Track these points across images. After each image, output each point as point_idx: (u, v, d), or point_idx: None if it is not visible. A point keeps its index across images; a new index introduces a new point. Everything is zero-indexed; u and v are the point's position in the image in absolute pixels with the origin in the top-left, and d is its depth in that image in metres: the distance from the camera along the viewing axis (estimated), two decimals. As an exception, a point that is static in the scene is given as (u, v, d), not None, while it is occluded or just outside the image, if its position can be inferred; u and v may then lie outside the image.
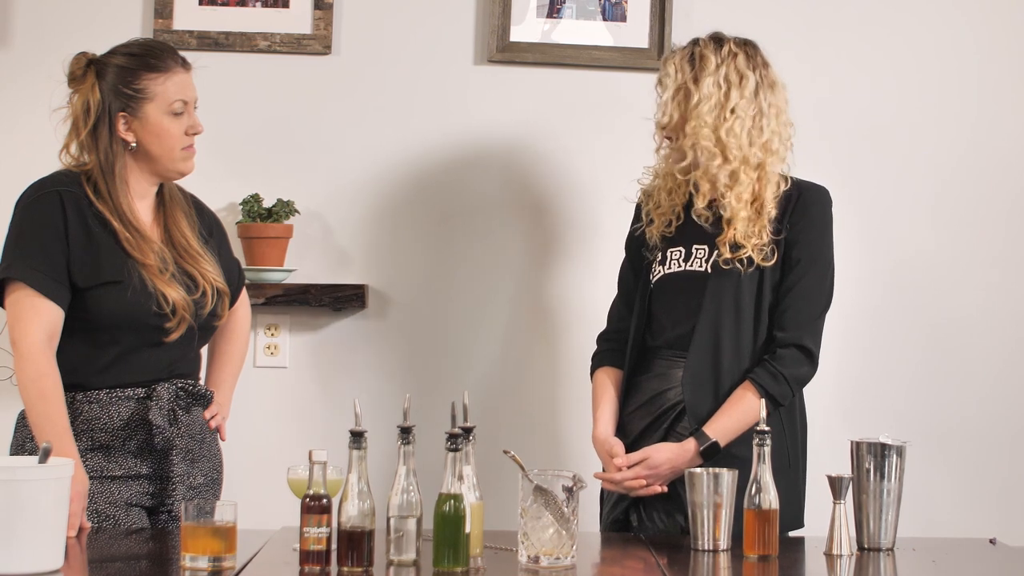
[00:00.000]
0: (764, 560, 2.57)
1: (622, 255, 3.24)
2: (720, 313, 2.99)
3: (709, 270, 3.02)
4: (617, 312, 3.22)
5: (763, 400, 2.74)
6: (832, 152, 3.69)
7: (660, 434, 3.01)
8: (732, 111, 2.97)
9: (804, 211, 3.02)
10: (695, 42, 3.05)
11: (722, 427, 2.93)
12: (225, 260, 3.07)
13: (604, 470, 3.03)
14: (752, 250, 2.97)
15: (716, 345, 2.99)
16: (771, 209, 2.98)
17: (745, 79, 3.00)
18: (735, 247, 2.97)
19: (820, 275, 3.02)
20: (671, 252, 3.08)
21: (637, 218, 3.19)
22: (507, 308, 3.73)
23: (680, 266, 3.06)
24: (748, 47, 3.04)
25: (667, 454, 2.93)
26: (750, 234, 2.97)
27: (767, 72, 3.04)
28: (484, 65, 3.73)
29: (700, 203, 3.01)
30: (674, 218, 3.09)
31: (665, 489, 2.94)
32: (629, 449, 3.00)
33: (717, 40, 3.04)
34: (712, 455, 2.91)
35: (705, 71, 2.99)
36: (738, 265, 2.97)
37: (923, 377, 3.76)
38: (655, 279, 3.10)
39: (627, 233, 3.22)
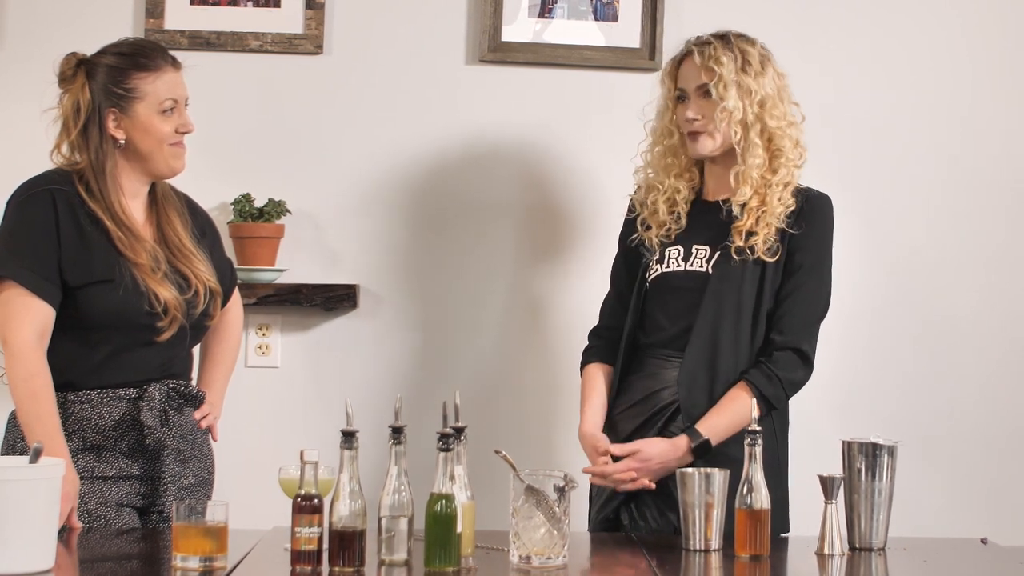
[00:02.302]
0: (755, 560, 2.57)
1: (615, 254, 3.23)
2: (720, 314, 2.99)
3: (711, 271, 3.02)
4: (610, 308, 3.22)
5: (755, 400, 2.74)
6: (822, 154, 3.68)
7: (652, 434, 3.00)
8: (783, 110, 3.04)
9: (809, 218, 3.03)
10: (737, 37, 3.06)
11: (714, 425, 2.94)
12: (217, 260, 3.06)
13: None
14: (762, 239, 2.97)
15: (714, 345, 2.99)
16: (779, 209, 2.99)
17: (783, 79, 3.07)
18: (748, 235, 2.98)
19: (819, 282, 3.04)
20: (669, 251, 3.08)
21: (631, 208, 3.19)
22: (499, 308, 3.73)
23: (680, 265, 3.06)
24: (770, 53, 3.10)
25: (659, 448, 2.93)
26: (764, 224, 2.98)
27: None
28: (476, 65, 3.72)
29: (740, 198, 3.02)
30: (674, 225, 3.10)
31: (653, 485, 2.94)
32: (619, 449, 3.00)
33: (749, 40, 3.08)
34: (703, 453, 2.91)
35: (765, 70, 3.04)
36: (736, 256, 2.96)
37: (916, 378, 3.76)
38: (652, 277, 3.09)
39: (621, 225, 3.22)
